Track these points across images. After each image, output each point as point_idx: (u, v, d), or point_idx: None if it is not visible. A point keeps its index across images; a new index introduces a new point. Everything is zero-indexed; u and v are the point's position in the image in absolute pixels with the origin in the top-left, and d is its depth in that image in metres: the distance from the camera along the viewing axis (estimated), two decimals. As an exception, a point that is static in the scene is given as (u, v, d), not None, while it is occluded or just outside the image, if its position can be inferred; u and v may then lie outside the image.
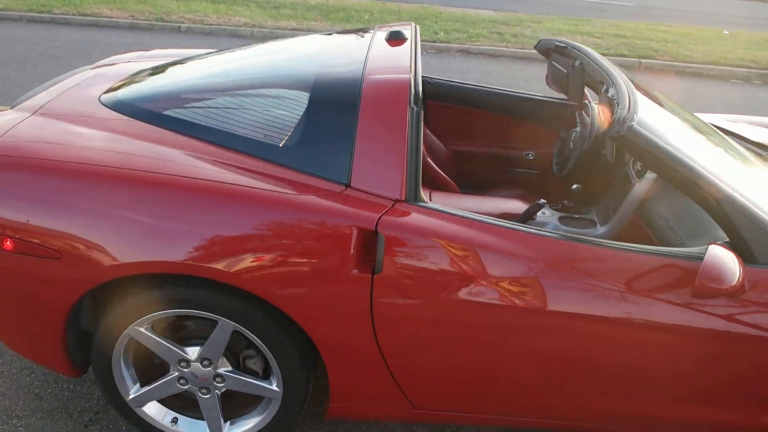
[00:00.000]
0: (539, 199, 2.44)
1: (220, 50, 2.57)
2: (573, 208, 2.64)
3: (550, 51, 2.79)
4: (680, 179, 1.71)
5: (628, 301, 1.65)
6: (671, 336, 1.66)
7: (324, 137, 1.75)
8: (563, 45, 2.64)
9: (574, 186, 2.55)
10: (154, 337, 1.77)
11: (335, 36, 2.43)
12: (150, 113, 1.92)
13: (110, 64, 2.61)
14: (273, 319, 1.71)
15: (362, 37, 2.31)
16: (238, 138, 1.80)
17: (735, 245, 1.71)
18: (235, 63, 2.26)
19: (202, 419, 1.96)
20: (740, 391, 1.75)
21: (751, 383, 1.74)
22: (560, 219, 2.58)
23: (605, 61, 2.31)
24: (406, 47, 2.08)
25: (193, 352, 1.80)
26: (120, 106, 1.99)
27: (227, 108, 1.91)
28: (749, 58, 9.07)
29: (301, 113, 1.81)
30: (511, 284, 1.64)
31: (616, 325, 1.65)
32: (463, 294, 1.64)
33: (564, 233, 1.71)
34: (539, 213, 2.47)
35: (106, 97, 2.07)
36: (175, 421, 1.95)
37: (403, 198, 1.69)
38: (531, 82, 7.17)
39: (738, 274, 1.53)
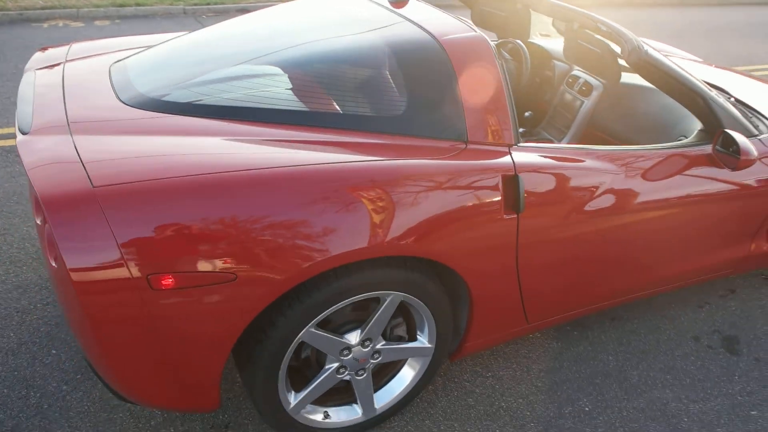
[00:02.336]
0: None
1: (192, 31, 2.30)
2: (527, 131, 3.07)
3: None
4: (682, 90, 2.20)
5: (680, 185, 2.14)
6: (709, 204, 2.22)
7: (430, 103, 1.82)
8: None
9: (527, 113, 2.96)
10: (324, 333, 1.72)
11: (318, 4, 2.37)
12: (208, 107, 1.76)
13: (57, 63, 2.15)
14: (431, 278, 1.80)
15: (355, 3, 2.31)
16: (338, 116, 1.77)
17: (712, 133, 2.29)
18: (245, 39, 2.10)
19: (346, 404, 1.95)
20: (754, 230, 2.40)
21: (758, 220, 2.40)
22: None
23: (559, 1, 2.70)
24: (428, 7, 2.18)
25: (351, 337, 1.79)
26: (164, 106, 1.76)
27: (300, 88, 1.83)
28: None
29: (393, 83, 1.83)
30: (613, 193, 1.99)
31: (672, 206, 2.14)
32: (584, 210, 1.95)
33: (628, 148, 2.09)
34: None
35: (131, 99, 1.80)
36: (326, 415, 1.91)
37: (513, 143, 1.89)
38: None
39: (754, 148, 2.11)
